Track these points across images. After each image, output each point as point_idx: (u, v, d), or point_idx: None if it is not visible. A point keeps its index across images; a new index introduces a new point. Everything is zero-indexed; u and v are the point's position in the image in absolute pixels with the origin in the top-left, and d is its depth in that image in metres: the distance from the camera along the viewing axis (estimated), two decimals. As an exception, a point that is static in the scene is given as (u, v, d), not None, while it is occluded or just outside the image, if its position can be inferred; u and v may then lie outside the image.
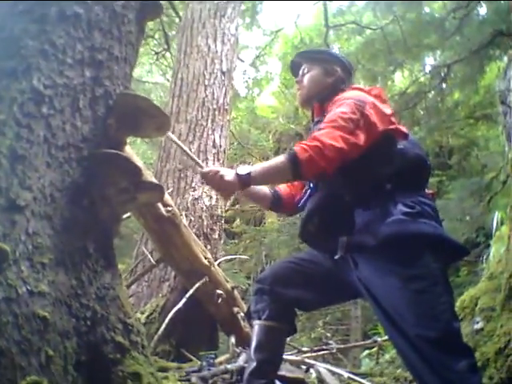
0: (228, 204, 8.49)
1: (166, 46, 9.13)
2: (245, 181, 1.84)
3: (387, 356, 3.75)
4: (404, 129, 2.02)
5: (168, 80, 10.33)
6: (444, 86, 8.41)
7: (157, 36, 9.59)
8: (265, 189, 2.28)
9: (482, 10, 7.81)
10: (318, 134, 1.84)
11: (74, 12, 1.63)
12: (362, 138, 1.85)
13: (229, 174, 1.86)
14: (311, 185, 2.08)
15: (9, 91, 1.44)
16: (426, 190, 1.98)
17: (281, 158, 1.85)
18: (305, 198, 2.10)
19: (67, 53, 1.58)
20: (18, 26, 1.56)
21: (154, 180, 2.64)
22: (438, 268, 1.72)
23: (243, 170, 1.84)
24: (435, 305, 1.64)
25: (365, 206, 1.85)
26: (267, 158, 11.40)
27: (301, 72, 2.30)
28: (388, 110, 2.00)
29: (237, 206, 11.05)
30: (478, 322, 2.79)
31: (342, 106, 1.92)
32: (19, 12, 1.59)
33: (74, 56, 1.60)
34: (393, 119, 2.00)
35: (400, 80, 10.60)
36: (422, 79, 8.97)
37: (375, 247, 1.73)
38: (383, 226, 1.76)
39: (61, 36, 1.58)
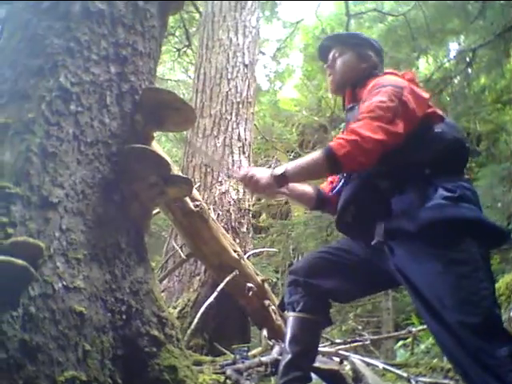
0: (254, 198, 8.49)
1: (187, 43, 9.14)
2: (281, 180, 1.84)
3: (422, 346, 3.71)
4: (440, 112, 1.97)
5: (190, 77, 10.38)
6: (470, 71, 8.24)
7: (177, 33, 9.61)
8: (308, 189, 2.23)
9: (504, -8, 7.63)
10: (356, 125, 1.79)
11: (97, 8, 1.64)
12: (401, 126, 1.80)
13: (264, 177, 1.86)
14: (345, 173, 2.05)
15: (36, 90, 1.45)
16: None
17: (317, 155, 1.81)
18: (339, 186, 2.07)
19: (92, 49, 1.59)
20: (43, 24, 1.57)
21: (181, 174, 2.64)
22: (480, 253, 1.68)
23: (278, 170, 1.84)
24: (476, 291, 1.60)
25: (403, 192, 1.81)
26: (292, 151, 11.38)
27: (331, 56, 2.23)
28: (425, 94, 1.95)
29: (263, 200, 11.05)
30: (514, 309, 2.73)
31: (379, 94, 1.86)
32: (43, 10, 1.60)
33: (99, 52, 1.61)
34: (430, 103, 1.95)
35: (424, 66, 10.42)
36: (447, 65, 8.80)
37: (415, 232, 1.70)
38: (423, 210, 1.72)
39: (85, 33, 1.59)
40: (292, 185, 2.12)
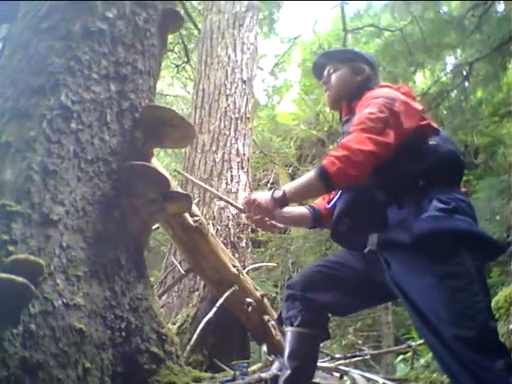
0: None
1: (185, 59, 9.20)
2: (280, 202, 1.87)
3: (422, 360, 3.68)
4: (435, 124, 1.99)
5: (189, 92, 10.43)
6: (466, 84, 8.30)
7: (176, 49, 9.69)
8: (303, 210, 2.26)
9: (501, 7, 7.72)
10: (346, 140, 1.82)
11: (97, 28, 1.67)
12: (392, 137, 1.82)
13: (265, 199, 1.89)
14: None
15: (38, 108, 1.47)
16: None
17: (312, 174, 1.84)
18: (336, 198, 2.08)
19: (93, 68, 1.61)
20: (44, 44, 1.59)
21: (180, 190, 2.65)
22: (475, 266, 1.68)
23: (277, 192, 1.87)
24: (471, 304, 1.60)
25: (397, 204, 1.82)
26: (290, 165, 11.41)
27: (326, 73, 2.26)
28: (418, 106, 1.97)
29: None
30: (513, 322, 2.72)
31: (370, 106, 1.89)
32: (44, 29, 1.63)
33: (100, 71, 1.63)
34: (424, 115, 1.97)
35: (421, 80, 10.50)
36: (443, 79, 8.88)
37: (409, 244, 1.70)
38: (417, 222, 1.73)
39: (86, 52, 1.62)
40: (287, 211, 2.15)
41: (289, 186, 1.90)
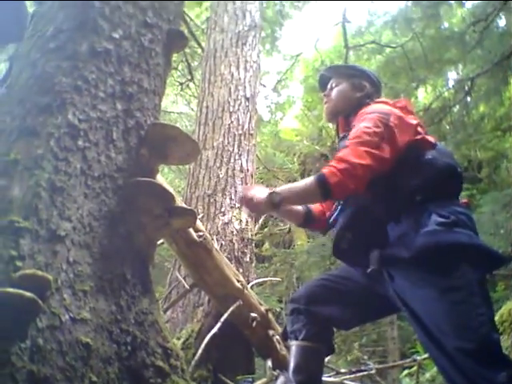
0: (256, 228, 8.49)
1: (189, 77, 9.30)
2: (277, 205, 1.89)
3: (427, 375, 3.67)
4: (431, 138, 2.01)
5: (192, 109, 10.50)
6: (468, 99, 8.34)
7: (180, 67, 9.79)
8: (298, 206, 2.28)
9: (502, 22, 7.79)
10: (344, 153, 1.84)
11: (104, 48, 1.70)
12: (387, 151, 1.85)
13: (261, 200, 1.92)
14: (341, 201, 2.09)
15: (45, 127, 1.50)
16: (460, 199, 1.96)
17: (310, 181, 1.87)
18: (335, 213, 2.10)
19: (99, 87, 1.65)
20: (51, 64, 1.62)
21: (185, 205, 2.68)
22: (476, 279, 1.69)
23: (274, 195, 1.90)
24: (473, 316, 1.61)
25: (397, 219, 1.84)
26: (293, 181, 11.44)
27: (329, 86, 2.32)
28: (413, 121, 2.00)
29: (265, 230, 11.04)
30: (518, 336, 2.72)
31: (366, 121, 1.93)
32: (51, 49, 1.66)
33: (106, 90, 1.66)
34: (419, 129, 1.99)
35: (423, 96, 10.56)
36: (445, 94, 8.93)
37: (410, 259, 1.72)
38: (417, 237, 1.75)
39: (92, 71, 1.65)
40: None
41: (286, 191, 1.92)
